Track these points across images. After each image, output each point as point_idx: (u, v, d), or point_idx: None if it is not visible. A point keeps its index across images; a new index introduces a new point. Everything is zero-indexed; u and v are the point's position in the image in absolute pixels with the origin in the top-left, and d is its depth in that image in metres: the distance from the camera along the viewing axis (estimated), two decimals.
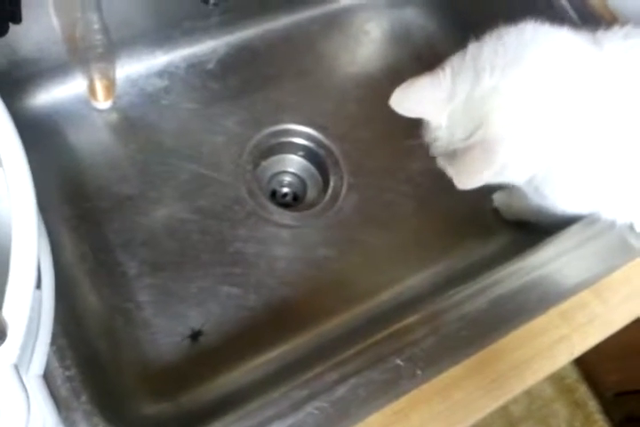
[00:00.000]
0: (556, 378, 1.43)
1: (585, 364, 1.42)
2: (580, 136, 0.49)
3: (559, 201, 0.58)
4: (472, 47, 0.49)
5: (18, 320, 0.33)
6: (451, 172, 0.52)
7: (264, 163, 0.69)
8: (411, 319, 0.53)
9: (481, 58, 0.47)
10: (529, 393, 1.40)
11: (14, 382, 0.32)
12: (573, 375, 1.44)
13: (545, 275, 0.57)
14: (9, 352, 0.32)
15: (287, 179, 0.72)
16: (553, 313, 0.56)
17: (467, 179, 0.48)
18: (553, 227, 0.61)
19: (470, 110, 0.47)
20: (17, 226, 0.35)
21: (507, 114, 0.46)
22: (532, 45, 0.48)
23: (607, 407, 1.40)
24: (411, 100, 0.49)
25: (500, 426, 1.37)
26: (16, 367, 0.32)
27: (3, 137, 0.39)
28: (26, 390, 0.32)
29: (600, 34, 0.50)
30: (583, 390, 1.43)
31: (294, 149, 0.71)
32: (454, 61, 0.49)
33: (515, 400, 1.39)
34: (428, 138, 0.52)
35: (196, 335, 0.58)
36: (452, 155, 0.50)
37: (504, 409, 1.38)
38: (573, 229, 0.59)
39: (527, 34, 0.48)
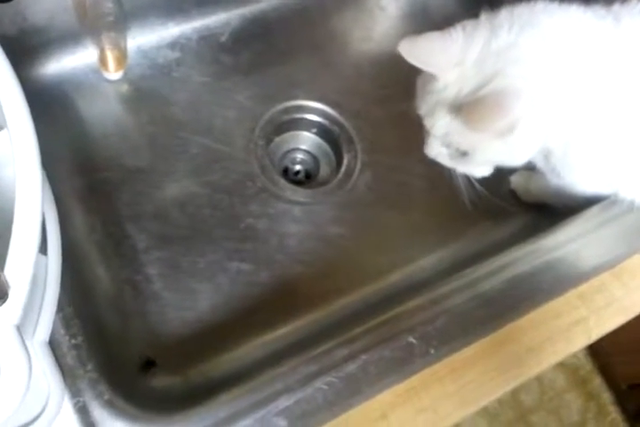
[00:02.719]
0: (570, 369, 1.41)
1: (600, 355, 1.40)
2: (598, 112, 0.48)
3: (577, 181, 0.57)
4: (485, 13, 0.49)
5: (20, 281, 0.32)
6: (446, 161, 0.53)
7: (277, 139, 0.68)
8: (424, 298, 0.52)
9: (498, 17, 0.47)
10: (541, 383, 1.39)
11: (16, 343, 0.31)
12: (587, 366, 1.42)
13: (563, 256, 0.55)
14: (11, 312, 0.31)
15: (300, 156, 0.70)
16: (571, 295, 0.55)
17: (479, 125, 0.46)
18: (571, 209, 0.59)
19: (484, 64, 0.46)
20: (21, 186, 0.35)
21: (524, 67, 0.45)
22: (546, 15, 0.47)
23: (621, 399, 1.39)
24: (422, 49, 0.48)
25: (512, 416, 1.36)
26: (18, 328, 0.32)
27: (8, 99, 0.38)
28: (27, 352, 0.31)
29: (617, 7, 0.49)
30: (597, 382, 1.41)
31: (307, 125, 0.69)
32: (466, 23, 0.48)
33: (526, 390, 1.38)
34: (423, 110, 0.51)
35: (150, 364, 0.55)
36: (457, 112, 0.49)
37: (515, 399, 1.37)
38: (592, 211, 0.58)
39: (539, 6, 0.48)
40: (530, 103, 0.45)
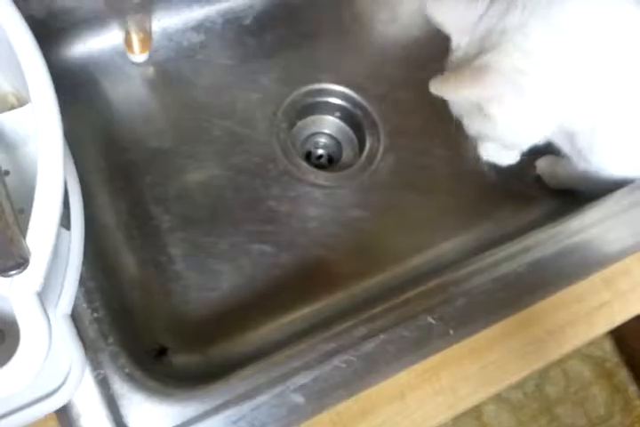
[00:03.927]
0: (597, 361, 1.39)
1: (627, 347, 1.38)
2: (625, 93, 0.47)
3: (604, 164, 0.55)
4: None
5: (41, 250, 0.33)
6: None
7: (299, 122, 0.68)
8: (444, 278, 0.52)
9: None
10: (566, 375, 1.37)
11: (37, 310, 0.32)
12: (614, 359, 1.40)
13: (587, 239, 0.55)
14: (32, 279, 0.32)
15: (322, 140, 0.70)
16: (595, 279, 0.54)
17: (458, 93, 0.48)
18: (597, 195, 0.58)
19: (488, 38, 0.47)
20: (43, 158, 0.35)
21: (525, 48, 0.46)
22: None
23: None
24: (445, 10, 0.50)
25: (537, 408, 1.35)
26: (39, 296, 0.32)
27: (33, 74, 0.38)
28: (48, 318, 0.32)
29: None
30: (624, 375, 1.39)
31: (331, 109, 0.69)
32: None
33: (552, 382, 1.36)
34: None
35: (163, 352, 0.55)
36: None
37: (540, 391, 1.36)
38: (618, 195, 0.57)
39: None
40: (516, 83, 0.45)
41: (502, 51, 0.46)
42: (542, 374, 1.37)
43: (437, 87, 0.49)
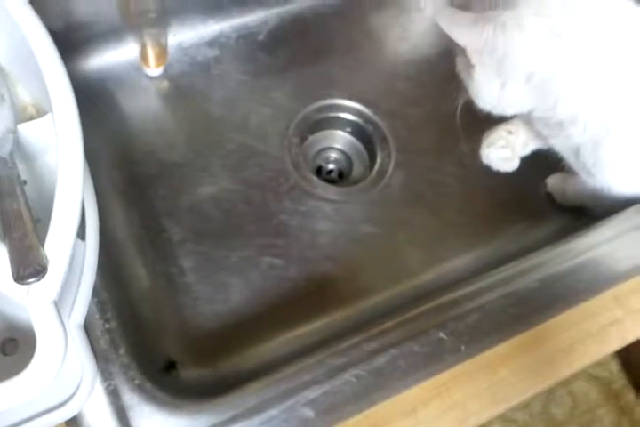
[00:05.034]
0: (603, 382, 1.37)
1: (634, 369, 1.37)
2: (623, 107, 0.48)
3: (609, 179, 0.56)
4: None
5: (59, 259, 0.33)
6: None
7: (311, 137, 0.69)
8: (455, 294, 0.52)
9: None
10: (573, 397, 1.35)
11: (54, 318, 0.32)
12: (621, 381, 1.38)
13: (598, 257, 0.54)
14: (49, 288, 0.32)
15: (333, 155, 0.71)
16: (606, 296, 0.54)
17: (449, 22, 0.50)
18: (607, 212, 0.58)
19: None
20: (63, 167, 0.36)
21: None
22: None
23: None
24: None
25: None
26: (56, 304, 0.32)
27: (55, 83, 0.39)
28: (64, 327, 0.32)
29: None
30: (631, 397, 1.37)
31: (342, 124, 0.70)
32: None
33: (558, 403, 1.35)
34: None
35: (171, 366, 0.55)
36: None
37: (546, 412, 1.34)
38: (629, 212, 0.57)
39: None
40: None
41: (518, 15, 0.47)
42: (549, 396, 1.35)
43: (443, 19, 0.50)
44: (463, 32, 0.50)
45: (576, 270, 0.53)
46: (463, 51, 0.51)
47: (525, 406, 1.33)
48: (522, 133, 0.63)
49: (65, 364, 0.33)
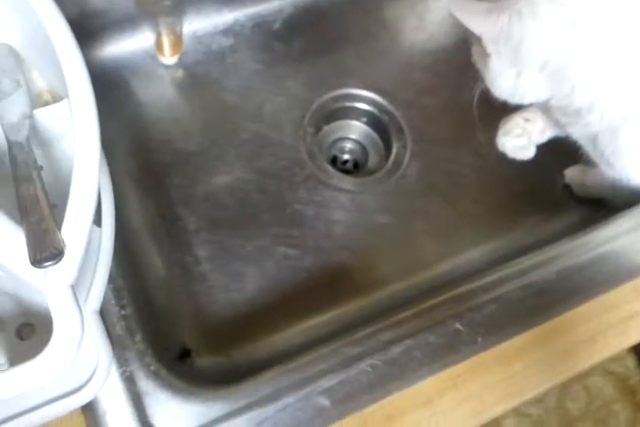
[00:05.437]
0: (619, 378, 1.36)
1: None
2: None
3: (628, 170, 0.55)
4: None
5: (76, 243, 0.33)
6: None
7: (326, 127, 0.68)
8: (472, 285, 0.51)
9: None
10: (588, 392, 1.34)
11: (70, 302, 0.32)
12: (637, 376, 1.37)
13: (617, 249, 0.54)
14: (66, 272, 0.32)
15: (349, 145, 0.70)
16: (626, 288, 0.53)
17: (463, 11, 0.50)
18: (627, 204, 0.57)
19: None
20: (79, 153, 0.35)
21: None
22: None
23: None
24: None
25: (557, 424, 1.32)
26: (73, 288, 0.32)
27: (71, 70, 0.39)
28: (81, 311, 0.32)
29: None
30: None
31: (357, 114, 0.69)
32: None
33: (573, 399, 1.34)
34: None
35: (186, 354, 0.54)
36: None
37: (561, 407, 1.33)
38: None
39: None
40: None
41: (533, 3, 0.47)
42: (563, 390, 1.34)
43: (458, 9, 0.50)
44: (478, 21, 0.49)
45: (595, 262, 0.53)
46: (479, 40, 0.50)
47: (540, 400, 1.32)
48: (539, 121, 0.62)
49: (81, 349, 0.33)
